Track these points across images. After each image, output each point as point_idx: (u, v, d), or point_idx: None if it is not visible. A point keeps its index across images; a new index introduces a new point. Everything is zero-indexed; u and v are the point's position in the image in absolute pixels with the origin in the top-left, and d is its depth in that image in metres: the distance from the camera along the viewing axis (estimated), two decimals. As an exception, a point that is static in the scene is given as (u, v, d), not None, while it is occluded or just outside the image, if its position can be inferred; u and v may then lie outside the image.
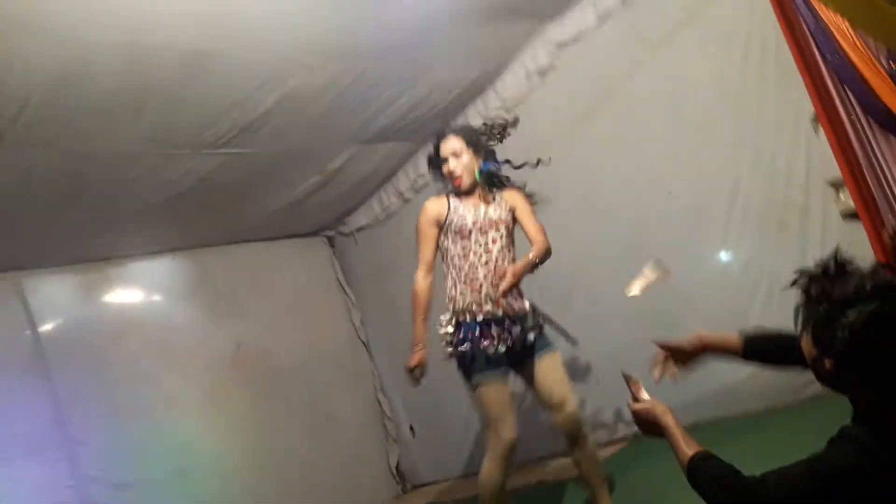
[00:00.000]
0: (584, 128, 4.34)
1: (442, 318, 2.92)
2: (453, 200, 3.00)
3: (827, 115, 3.07)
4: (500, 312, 2.87)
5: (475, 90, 4.69)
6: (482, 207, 3.01)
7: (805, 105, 3.24)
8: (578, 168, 4.42)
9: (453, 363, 2.95)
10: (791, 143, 3.48)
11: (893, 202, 3.09)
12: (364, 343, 6.46)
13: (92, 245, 4.99)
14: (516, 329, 2.90)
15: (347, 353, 6.33)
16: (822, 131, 3.16)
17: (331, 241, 6.65)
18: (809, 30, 3.10)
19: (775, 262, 3.64)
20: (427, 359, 2.96)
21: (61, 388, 4.83)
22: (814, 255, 3.41)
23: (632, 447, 4.21)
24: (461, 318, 2.85)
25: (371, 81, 4.01)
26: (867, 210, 3.00)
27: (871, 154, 3.09)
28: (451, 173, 3.00)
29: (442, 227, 2.95)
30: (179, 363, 5.36)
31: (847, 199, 3.14)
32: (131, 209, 4.54)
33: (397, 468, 6.25)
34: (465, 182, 3.01)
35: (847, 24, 2.97)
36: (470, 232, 2.93)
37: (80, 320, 5.11)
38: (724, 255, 3.94)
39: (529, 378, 3.03)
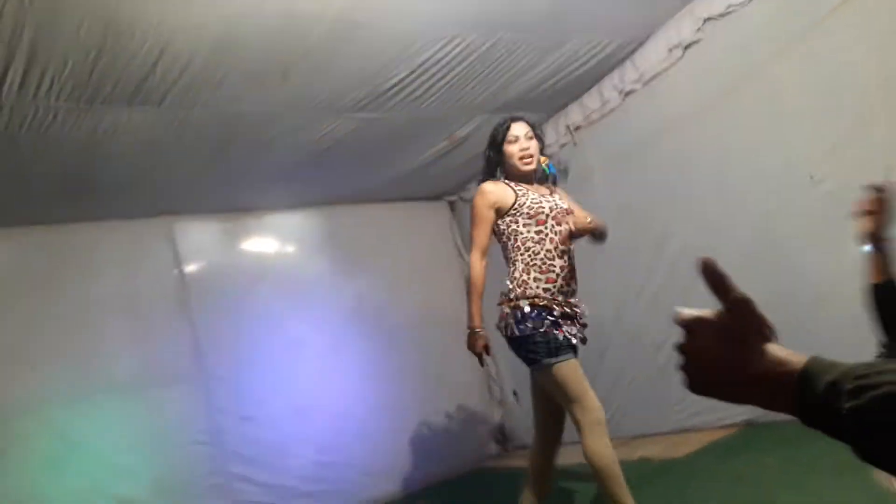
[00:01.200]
0: (722, 108, 4.17)
1: (510, 296, 2.87)
2: (516, 185, 2.94)
3: None
4: (574, 310, 2.88)
5: (612, 62, 4.60)
6: (549, 197, 2.96)
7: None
8: (712, 149, 4.27)
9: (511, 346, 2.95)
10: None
11: None
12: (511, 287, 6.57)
13: (235, 197, 5.39)
14: (583, 329, 2.95)
15: (460, 317, 6.46)
16: None
17: (452, 206, 6.79)
18: None
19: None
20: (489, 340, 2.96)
21: (200, 326, 5.28)
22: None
23: (740, 434, 4.12)
24: (538, 303, 2.77)
25: (506, 50, 4.03)
26: None
27: None
28: (523, 152, 2.91)
29: (505, 211, 2.87)
30: (305, 311, 5.72)
31: None
32: (271, 166, 4.85)
33: (501, 429, 6.42)
34: (533, 166, 2.97)
35: None
36: (546, 218, 2.85)
37: (220, 264, 5.56)
38: (867, 250, 3.70)
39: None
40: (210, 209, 5.51)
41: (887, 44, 3.44)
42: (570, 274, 2.87)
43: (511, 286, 2.83)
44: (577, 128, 5.16)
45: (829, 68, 3.68)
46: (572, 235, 2.88)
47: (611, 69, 4.68)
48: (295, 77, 3.75)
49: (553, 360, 2.71)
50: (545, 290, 2.76)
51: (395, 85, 4.07)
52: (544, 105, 4.99)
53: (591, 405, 2.69)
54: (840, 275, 3.73)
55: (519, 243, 2.86)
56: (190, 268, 5.42)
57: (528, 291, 2.77)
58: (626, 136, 4.82)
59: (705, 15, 4.10)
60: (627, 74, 4.64)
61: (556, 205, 2.92)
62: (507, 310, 2.82)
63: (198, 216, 5.52)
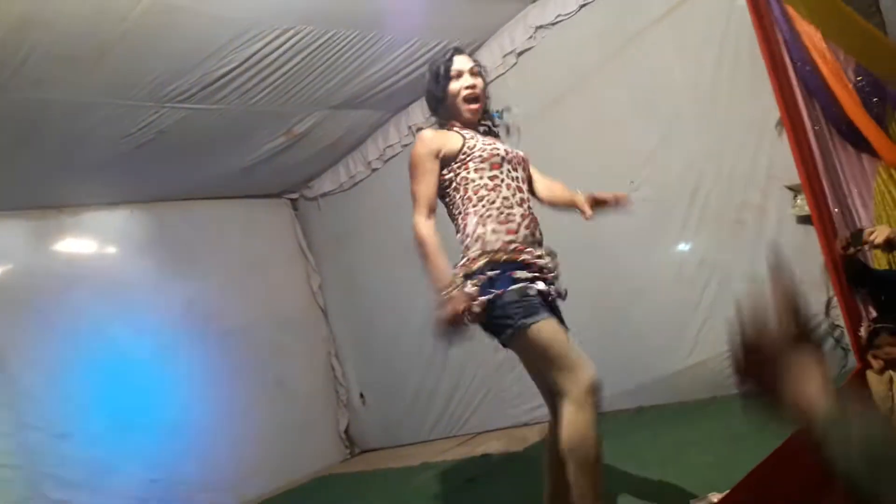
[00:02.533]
0: (553, 113, 4.36)
1: (469, 257, 2.32)
2: (463, 131, 2.45)
3: (791, 121, 3.15)
4: (540, 262, 2.37)
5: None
6: (500, 143, 2.53)
7: (772, 110, 3.31)
8: (544, 152, 4.41)
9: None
10: (755, 146, 3.57)
11: (847, 210, 3.22)
12: (322, 308, 6.45)
13: (45, 191, 4.85)
14: (556, 282, 2.46)
15: (303, 318, 6.32)
16: (785, 136, 3.24)
17: (294, 204, 6.58)
18: (783, 37, 3.16)
19: (729, 259, 3.75)
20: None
21: (4, 336, 4.73)
22: (766, 255, 3.59)
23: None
24: (498, 258, 2.27)
25: (344, 46, 3.96)
26: (821, 216, 3.11)
27: (829, 163, 3.20)
28: (469, 91, 2.43)
29: (452, 157, 2.38)
30: (129, 317, 5.27)
31: (803, 204, 3.24)
32: (88, 159, 4.42)
33: (346, 433, 6.31)
34: (480, 109, 2.51)
35: (819, 34, 3.04)
36: (502, 161, 2.40)
37: (29, 267, 5.00)
38: (679, 249, 4.03)
39: None
40: (15, 205, 4.93)
41: (698, 56, 3.75)
42: (533, 222, 2.44)
43: (465, 244, 2.35)
44: (419, 128, 5.16)
45: (646, 78, 3.96)
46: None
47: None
48: (110, 62, 3.42)
49: (530, 320, 2.18)
50: (507, 242, 2.29)
51: (225, 75, 3.85)
52: (386, 103, 4.96)
53: (586, 370, 2.15)
54: (654, 270, 4.06)
55: (470, 193, 2.38)
56: (-8, 270, 4.82)
57: (487, 247, 2.29)
58: (466, 137, 4.89)
59: (537, 23, 4.26)
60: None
61: (510, 149, 2.49)
62: (463, 274, 2.30)
63: (1, 213, 4.92)
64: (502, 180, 2.39)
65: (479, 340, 4.96)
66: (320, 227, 6.39)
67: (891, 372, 2.82)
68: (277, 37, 3.65)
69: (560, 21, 4.19)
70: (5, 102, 3.47)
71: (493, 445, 4.50)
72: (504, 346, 2.31)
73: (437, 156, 2.37)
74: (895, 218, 3.17)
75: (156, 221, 5.65)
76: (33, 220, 5.06)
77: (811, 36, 3.11)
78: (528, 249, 2.34)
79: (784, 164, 3.33)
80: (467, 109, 2.46)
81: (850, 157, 3.25)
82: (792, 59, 3.18)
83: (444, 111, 2.50)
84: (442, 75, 2.45)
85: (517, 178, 2.44)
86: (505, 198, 2.36)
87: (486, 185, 2.37)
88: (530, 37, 4.34)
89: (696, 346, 3.88)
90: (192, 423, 5.31)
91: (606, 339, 4.28)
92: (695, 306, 3.88)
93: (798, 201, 3.36)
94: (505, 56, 4.47)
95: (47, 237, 5.14)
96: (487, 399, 5.07)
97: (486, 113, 2.59)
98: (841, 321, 3.25)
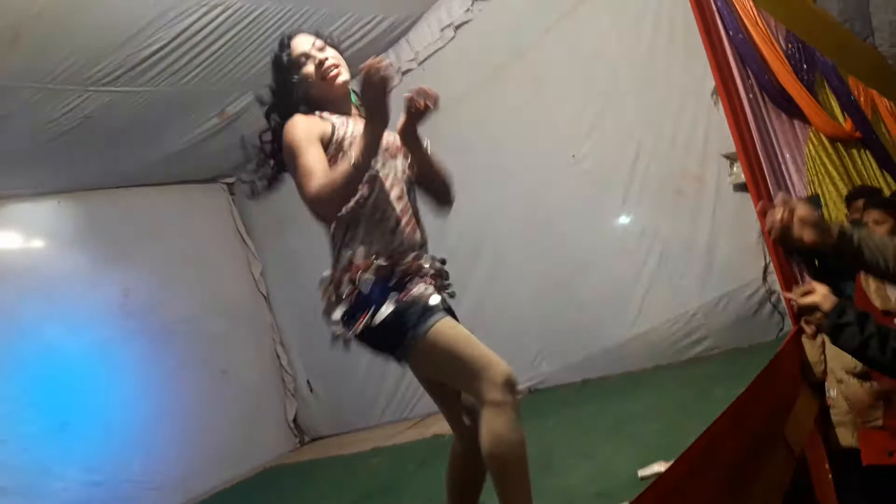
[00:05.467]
0: (493, 87, 4.33)
1: (339, 268, 1.97)
2: (327, 115, 2.02)
3: (726, 90, 3.19)
4: (423, 268, 2.01)
5: (387, 40, 4.56)
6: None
7: (707, 80, 3.35)
8: (485, 127, 4.42)
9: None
10: (692, 116, 3.61)
11: (781, 177, 3.28)
12: (264, 295, 6.30)
13: (-38, 183, 4.57)
14: (443, 281, 2.08)
15: (246, 306, 6.16)
16: (721, 105, 3.28)
17: (230, 188, 6.38)
18: (717, 6, 3.19)
19: (669, 228, 3.80)
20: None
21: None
22: (705, 223, 3.65)
23: (525, 401, 4.36)
24: (375, 267, 1.92)
25: (275, 21, 3.81)
26: (756, 183, 3.16)
27: (763, 130, 3.25)
28: (326, 69, 2.01)
29: (326, 145, 1.95)
30: (62, 312, 5.04)
31: (739, 172, 3.29)
32: (9, 147, 4.16)
33: (295, 422, 6.21)
34: (347, 78, 2.07)
35: (751, 2, 3.07)
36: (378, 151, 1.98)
37: (-53, 264, 4.71)
38: (621, 221, 4.06)
39: None
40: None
41: (634, 27, 3.76)
42: (414, 221, 2.06)
43: (337, 252, 2.01)
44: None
45: (585, 51, 3.95)
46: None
47: (386, 47, 4.63)
48: (25, 44, 3.21)
49: (422, 327, 1.84)
50: (385, 247, 1.95)
51: (152, 55, 3.66)
52: (322, 82, 4.83)
53: (500, 366, 1.82)
54: (596, 243, 4.10)
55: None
56: None
57: (360, 256, 1.94)
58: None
59: (474, -6, 4.20)
60: (403, 53, 4.64)
61: (386, 136, 2.02)
62: (335, 291, 1.97)
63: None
64: (377, 174, 1.99)
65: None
66: (259, 211, 6.21)
67: (823, 336, 2.91)
68: (206, 13, 3.50)
69: (497, -6, 4.14)
70: None
71: (445, 426, 4.40)
72: (399, 362, 1.94)
73: (314, 134, 1.95)
74: (826, 182, 3.25)
75: (86, 212, 5.39)
76: (-51, 213, 4.77)
77: (744, 5, 3.14)
78: (411, 254, 1.97)
79: (720, 132, 3.37)
80: (335, 85, 2.04)
81: (783, 123, 3.31)
82: (726, 28, 3.21)
83: (306, 107, 2.03)
84: (285, 66, 2.06)
85: (396, 168, 2.06)
86: (381, 196, 1.99)
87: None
88: (467, 10, 4.29)
89: (640, 317, 3.93)
90: (134, 420, 5.12)
91: (550, 313, 4.31)
92: (636, 277, 3.93)
93: (734, 169, 3.41)
94: (443, 29, 4.41)
95: (-34, 232, 4.85)
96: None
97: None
98: (777, 287, 3.32)
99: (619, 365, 4.04)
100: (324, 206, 1.82)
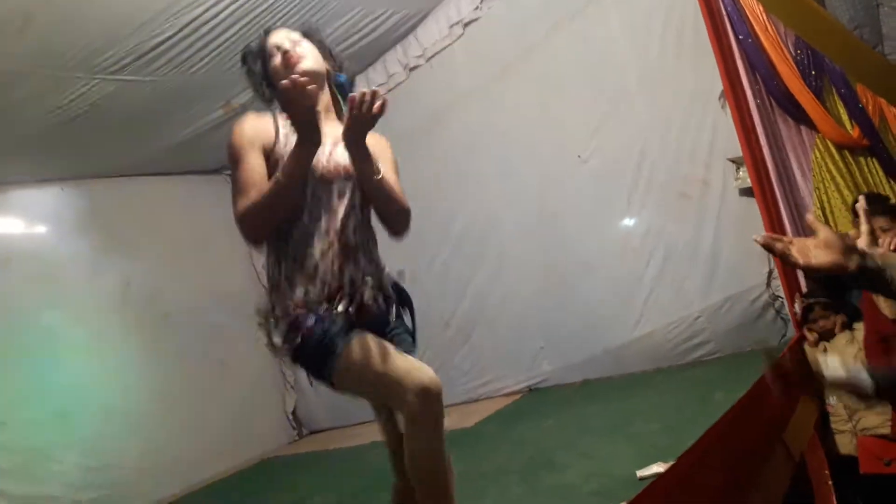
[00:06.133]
0: (501, 85, 4.32)
1: (261, 309, 1.87)
2: (282, 121, 1.84)
3: (734, 94, 3.19)
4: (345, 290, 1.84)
5: (395, 35, 4.55)
6: (328, 141, 1.83)
7: (715, 84, 3.35)
8: (491, 125, 4.42)
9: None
10: (699, 119, 3.61)
11: (787, 182, 3.28)
12: (265, 287, 6.30)
13: (-34, 168, 4.57)
14: (366, 290, 1.87)
15: (247, 298, 6.14)
16: (728, 109, 3.27)
17: (234, 180, 6.37)
18: (726, 10, 3.18)
19: (673, 231, 3.80)
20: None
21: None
22: (710, 227, 3.65)
23: (525, 400, 4.37)
24: (290, 311, 1.78)
25: (284, 14, 3.81)
26: (762, 188, 3.16)
27: (770, 135, 3.25)
28: (288, 59, 1.83)
29: (267, 156, 1.80)
30: (64, 300, 5.05)
31: (745, 176, 3.29)
32: (15, 133, 4.16)
33: (294, 414, 6.22)
34: (311, 83, 1.65)
35: (761, 7, 3.06)
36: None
37: (-50, 249, 4.72)
38: (626, 222, 4.06)
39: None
40: (-68, 183, 4.64)
41: (643, 29, 3.76)
42: (354, 254, 1.87)
43: (270, 281, 1.88)
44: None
45: (592, 51, 3.95)
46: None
47: (394, 43, 4.63)
48: (36, 30, 3.21)
49: (336, 353, 1.76)
50: (303, 291, 1.78)
51: (160, 44, 3.66)
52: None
53: (411, 382, 1.72)
54: (600, 243, 4.10)
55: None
56: None
57: (278, 299, 1.81)
58: (412, 113, 4.82)
59: (483, -8, 4.20)
60: (411, 49, 4.64)
61: (325, 155, 1.83)
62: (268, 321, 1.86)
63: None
64: (306, 201, 1.79)
65: (428, 315, 4.98)
66: (263, 205, 6.23)
67: (824, 343, 2.91)
68: (214, 4, 3.50)
69: (507, -8, 4.14)
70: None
71: (444, 421, 4.49)
72: (333, 387, 1.84)
73: (252, 144, 1.79)
74: (832, 189, 3.25)
75: (89, 200, 5.38)
76: (-47, 198, 4.77)
77: (754, 10, 3.14)
78: (341, 291, 1.80)
79: (727, 136, 3.37)
80: (293, 85, 1.72)
81: (790, 129, 3.31)
82: (735, 33, 3.21)
83: (272, 101, 1.91)
84: (254, 55, 1.93)
85: (327, 198, 1.83)
86: (304, 231, 1.80)
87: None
88: (476, 7, 4.28)
89: (642, 319, 3.93)
90: (132, 408, 5.13)
91: (553, 312, 4.31)
92: (640, 279, 3.93)
93: (740, 173, 3.41)
94: (452, 26, 4.41)
95: (-31, 217, 4.86)
96: (438, 375, 5.04)
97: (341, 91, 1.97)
98: (781, 292, 3.33)
99: (620, 366, 4.04)
100: (246, 227, 1.73)
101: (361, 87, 5.00)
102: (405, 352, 1.83)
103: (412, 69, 4.70)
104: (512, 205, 4.41)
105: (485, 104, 4.40)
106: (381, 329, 1.87)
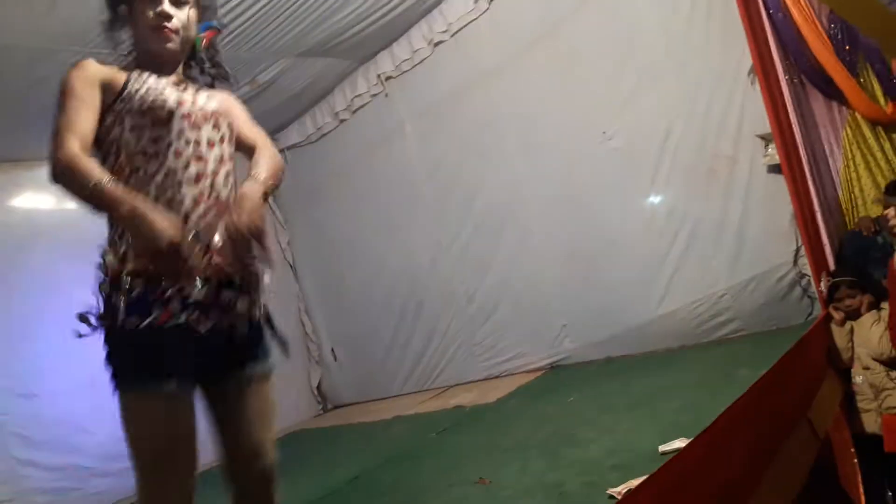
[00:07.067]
0: (526, 61, 4.28)
1: (104, 261, 1.65)
2: (136, 76, 1.71)
3: (764, 70, 3.14)
4: (208, 272, 1.61)
5: (420, 10, 4.52)
6: (189, 90, 1.76)
7: (745, 60, 3.29)
8: (516, 100, 4.39)
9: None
10: (727, 95, 3.54)
11: (817, 159, 3.23)
12: (290, 264, 6.37)
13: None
14: (233, 303, 1.67)
15: (275, 274, 6.22)
16: (757, 85, 3.22)
17: (256, 157, 6.41)
18: (757, -18, 3.12)
19: (699, 209, 3.76)
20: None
21: (-37, 293, 4.56)
22: (737, 204, 3.61)
23: (547, 377, 4.38)
24: (137, 268, 1.57)
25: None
26: (791, 165, 3.12)
27: (800, 112, 3.20)
28: (161, 21, 1.71)
29: (109, 103, 1.66)
30: (92, 274, 5.14)
31: (774, 154, 3.24)
32: (45, 109, 4.18)
33: (318, 388, 6.31)
34: (177, 44, 1.74)
35: (794, -21, 3.00)
36: (171, 116, 1.67)
37: (-17, 224, 4.82)
38: (651, 199, 4.03)
39: (222, 400, 1.70)
40: (-35, 159, 4.73)
41: (671, 4, 3.70)
42: (218, 209, 1.67)
43: (107, 243, 1.67)
44: (388, 77, 5.06)
45: (620, 26, 3.89)
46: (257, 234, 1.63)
47: (419, 18, 4.61)
48: (66, 7, 3.26)
49: (132, 385, 1.55)
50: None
51: (185, 20, 3.68)
52: (353, 52, 4.82)
53: (177, 481, 1.53)
54: (625, 221, 4.07)
55: (122, 160, 1.63)
56: (-57, 228, 4.63)
57: (131, 251, 1.58)
58: (436, 89, 4.81)
59: (509, -35, 4.15)
60: (436, 24, 4.61)
61: (190, 99, 1.73)
62: (102, 291, 1.63)
63: (-50, 168, 4.72)
64: (171, 145, 1.65)
65: (451, 293, 5.00)
66: (287, 180, 6.22)
67: (851, 323, 2.89)
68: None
69: (532, -34, 4.09)
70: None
71: (466, 397, 4.54)
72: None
73: (94, 83, 1.66)
74: (862, 166, 3.20)
75: (117, 175, 5.47)
76: (-14, 174, 4.86)
77: (785, -19, 3.07)
78: (193, 259, 1.55)
79: (756, 113, 3.32)
80: (157, 41, 1.73)
81: (821, 105, 3.26)
82: (766, 6, 3.15)
83: (132, 44, 1.78)
84: None
85: (199, 141, 1.69)
86: (171, 170, 1.63)
87: (144, 149, 1.63)
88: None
89: (666, 296, 3.92)
90: (161, 380, 5.24)
91: (576, 289, 4.31)
92: (664, 257, 3.90)
93: (769, 150, 3.36)
94: (477, 1, 4.36)
95: (2, 192, 4.94)
96: (459, 352, 5.08)
97: (197, 56, 1.86)
98: (808, 270, 3.29)
99: (643, 344, 4.04)
100: (60, 178, 1.56)
101: (386, 62, 5.00)
102: (265, 375, 1.76)
103: (437, 44, 4.68)
104: (536, 182, 4.39)
105: (509, 80, 4.37)
106: (234, 360, 1.70)
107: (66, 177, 1.54)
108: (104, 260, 1.63)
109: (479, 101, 4.57)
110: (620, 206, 4.09)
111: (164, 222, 1.49)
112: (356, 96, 5.28)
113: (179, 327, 1.56)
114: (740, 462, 1.92)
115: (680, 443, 2.33)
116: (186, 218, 1.60)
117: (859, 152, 3.24)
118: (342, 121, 5.52)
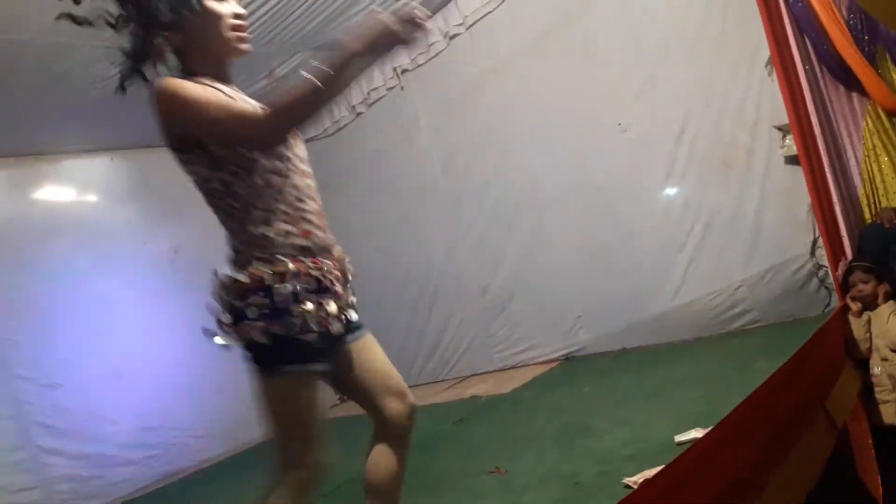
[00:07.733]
0: (541, 52, 4.28)
1: (240, 267, 1.66)
2: (212, 83, 1.71)
3: (782, 59, 3.12)
4: (336, 274, 1.78)
5: (436, 4, 4.53)
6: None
7: (762, 49, 3.27)
8: (531, 92, 4.39)
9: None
10: (744, 85, 3.52)
11: (836, 151, 3.21)
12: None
13: (21, 138, 4.71)
14: (351, 299, 1.88)
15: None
16: (775, 75, 3.20)
17: (276, 149, 6.46)
18: (776, -29, 3.10)
19: (715, 200, 3.76)
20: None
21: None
22: (753, 195, 3.60)
23: (561, 368, 4.40)
24: (287, 270, 1.63)
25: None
26: (809, 156, 3.10)
27: (819, 102, 3.18)
28: (239, 19, 1.71)
29: None
30: (114, 266, 5.21)
31: (792, 145, 3.23)
32: (65, 104, 4.29)
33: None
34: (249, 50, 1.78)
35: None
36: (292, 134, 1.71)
37: (7, 216, 4.88)
38: (667, 190, 4.02)
39: (346, 369, 1.92)
40: (-11, 153, 4.81)
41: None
42: (324, 218, 1.82)
43: (241, 250, 1.68)
44: (404, 71, 5.08)
45: (635, 17, 3.88)
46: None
47: (435, 11, 4.61)
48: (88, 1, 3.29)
49: (284, 371, 1.69)
50: (301, 248, 1.68)
51: (203, 15, 3.72)
52: (369, 45, 4.83)
53: (318, 462, 1.73)
54: (640, 211, 4.07)
55: (256, 177, 1.65)
56: (-33, 221, 4.71)
57: (276, 253, 1.64)
58: (452, 82, 4.82)
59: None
60: (452, 17, 4.61)
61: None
62: (238, 295, 1.65)
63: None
64: (292, 166, 1.72)
65: (466, 284, 5.02)
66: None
67: (869, 314, 2.88)
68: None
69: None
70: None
71: (482, 388, 4.57)
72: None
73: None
74: (884, 157, 3.17)
75: (138, 169, 5.52)
76: (8, 168, 4.93)
77: (804, -30, 3.05)
78: (324, 261, 1.71)
79: (773, 103, 3.31)
80: (238, 44, 1.73)
81: (840, 96, 3.23)
82: (784, -5, 3.12)
83: (190, 49, 1.70)
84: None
85: (303, 158, 1.79)
86: (297, 188, 1.72)
87: (277, 168, 1.67)
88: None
89: (682, 288, 3.92)
90: (182, 371, 5.29)
91: (591, 280, 4.32)
92: (680, 248, 3.90)
93: (786, 141, 3.34)
94: (492, -7, 4.37)
95: (24, 185, 5.01)
96: (474, 343, 5.11)
97: None
98: (825, 261, 3.28)
99: (659, 335, 4.04)
100: (277, 137, 1.61)
101: (402, 55, 5.01)
102: (368, 333, 1.98)
103: (452, 37, 4.69)
104: (551, 173, 4.40)
105: (524, 72, 4.37)
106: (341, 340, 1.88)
107: (283, 124, 1.57)
108: (256, 271, 1.63)
109: (494, 93, 4.58)
110: (636, 198, 4.09)
111: (373, 28, 1.50)
112: (372, 89, 5.30)
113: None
114: (757, 452, 1.93)
115: (696, 433, 2.34)
116: (313, 227, 1.77)
117: (880, 143, 3.21)
118: (359, 114, 5.55)
